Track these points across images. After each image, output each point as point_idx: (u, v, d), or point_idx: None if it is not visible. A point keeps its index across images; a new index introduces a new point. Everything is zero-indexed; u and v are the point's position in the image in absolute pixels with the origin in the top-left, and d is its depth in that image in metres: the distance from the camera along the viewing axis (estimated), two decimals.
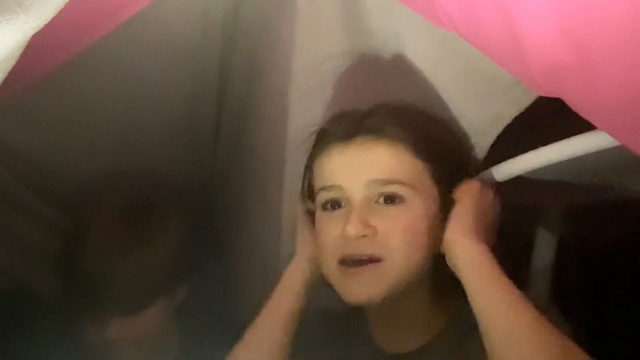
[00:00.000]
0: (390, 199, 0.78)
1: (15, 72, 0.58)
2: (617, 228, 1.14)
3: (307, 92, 0.92)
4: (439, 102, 0.86)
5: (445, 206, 0.80)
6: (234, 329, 1.13)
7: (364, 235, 0.77)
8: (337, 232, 0.78)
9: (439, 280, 0.83)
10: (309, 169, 0.86)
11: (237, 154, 1.18)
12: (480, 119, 0.84)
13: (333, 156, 0.81)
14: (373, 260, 0.77)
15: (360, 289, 0.78)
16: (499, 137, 0.88)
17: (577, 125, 0.69)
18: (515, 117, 0.84)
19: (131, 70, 1.01)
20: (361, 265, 0.77)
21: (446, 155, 0.81)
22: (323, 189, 0.82)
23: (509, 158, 0.85)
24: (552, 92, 0.67)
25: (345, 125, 0.81)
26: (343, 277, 0.79)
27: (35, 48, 0.58)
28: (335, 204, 0.81)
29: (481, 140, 0.85)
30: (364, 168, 0.79)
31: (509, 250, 0.89)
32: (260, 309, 0.86)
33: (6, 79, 0.58)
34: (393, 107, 0.84)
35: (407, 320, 0.83)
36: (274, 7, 0.97)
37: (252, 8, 1.03)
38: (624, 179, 0.97)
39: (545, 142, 0.80)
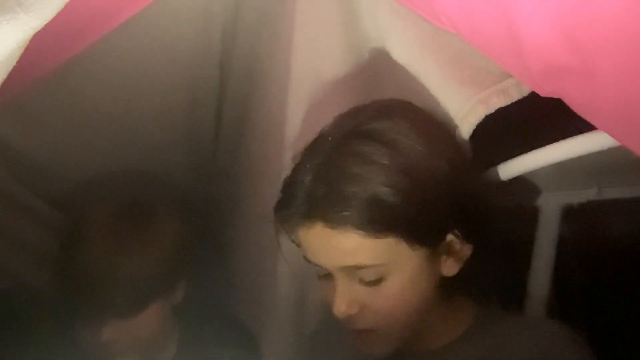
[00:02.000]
0: (369, 281, 0.75)
1: (15, 72, 0.58)
2: (617, 228, 1.14)
3: (305, 91, 0.92)
4: (429, 91, 0.85)
5: (436, 249, 0.77)
6: (234, 329, 1.14)
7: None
8: (332, 299, 0.78)
9: (450, 291, 0.82)
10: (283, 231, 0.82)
11: (237, 154, 1.18)
12: (464, 102, 0.82)
13: (301, 235, 0.78)
14: (366, 331, 0.78)
15: (368, 348, 0.80)
16: (499, 137, 0.88)
17: (577, 125, 0.69)
18: (515, 117, 0.84)
19: (131, 70, 1.01)
20: (358, 333, 0.79)
21: (422, 209, 0.73)
22: (306, 259, 0.79)
23: (509, 158, 0.85)
24: (552, 92, 0.67)
25: (299, 208, 0.76)
26: (351, 333, 0.80)
27: (35, 48, 0.58)
28: (324, 272, 0.79)
29: (463, 123, 0.83)
30: (332, 256, 0.75)
31: (509, 250, 0.89)
32: (259, 309, 0.85)
33: (6, 79, 0.58)
34: (348, 171, 0.74)
35: (424, 329, 0.82)
36: (273, 7, 0.97)
37: (252, 8, 1.03)
38: (623, 179, 0.97)
39: (545, 142, 0.80)
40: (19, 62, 0.58)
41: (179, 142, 1.17)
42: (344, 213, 0.72)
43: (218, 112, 1.17)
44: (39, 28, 0.54)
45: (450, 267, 0.79)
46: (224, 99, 1.15)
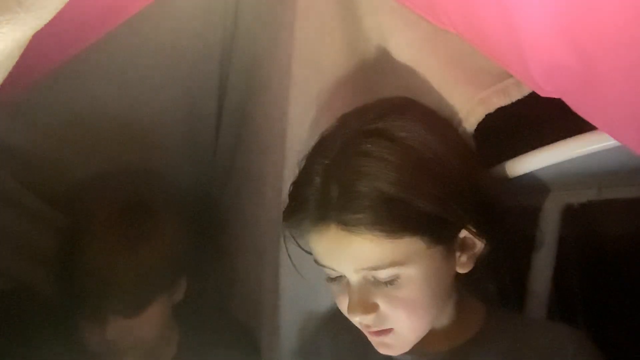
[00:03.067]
0: (384, 282, 0.74)
1: (16, 72, 0.58)
2: (617, 228, 1.14)
3: (306, 92, 0.92)
4: (430, 91, 0.85)
5: (451, 245, 0.77)
6: (234, 329, 1.14)
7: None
8: (346, 302, 0.77)
9: (462, 292, 0.83)
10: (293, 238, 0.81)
11: (237, 154, 1.18)
12: (465, 102, 0.82)
13: (314, 239, 0.77)
14: (384, 331, 0.77)
15: (385, 348, 0.79)
16: (499, 137, 0.88)
17: (577, 125, 0.69)
18: (515, 117, 0.84)
19: (131, 69, 1.01)
20: (378, 333, 0.78)
21: (435, 204, 0.73)
22: (318, 263, 0.78)
23: (510, 158, 0.84)
24: (552, 92, 0.67)
25: (312, 211, 0.75)
26: (367, 335, 0.79)
27: (35, 48, 0.58)
28: (336, 275, 0.78)
29: (463, 123, 0.83)
30: (347, 258, 0.74)
31: (509, 250, 0.89)
32: (259, 309, 0.85)
33: (6, 79, 0.58)
34: (358, 170, 0.73)
35: (438, 330, 0.82)
36: (274, 7, 0.97)
37: (252, 8, 1.03)
38: (623, 179, 0.97)
39: (545, 142, 0.80)
40: (19, 62, 0.58)
41: (179, 142, 1.17)
42: (358, 214, 0.71)
43: (218, 112, 1.17)
44: (38, 28, 0.54)
45: (464, 264, 0.78)
46: (224, 98, 1.15)
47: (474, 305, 0.85)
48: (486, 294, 0.88)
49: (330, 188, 0.74)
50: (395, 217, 0.71)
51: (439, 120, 0.80)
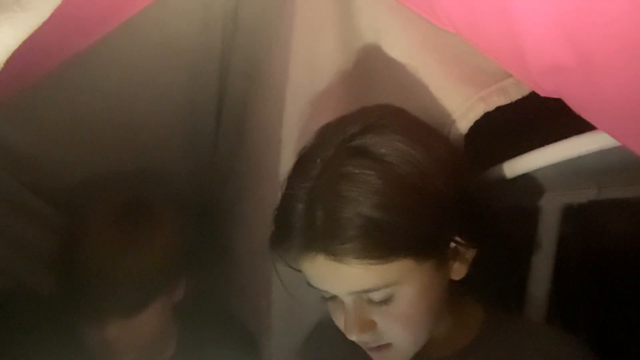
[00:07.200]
0: (379, 301, 0.74)
1: (16, 72, 0.58)
2: (617, 228, 1.14)
3: (303, 91, 0.92)
4: (427, 91, 0.85)
5: (443, 257, 0.76)
6: (234, 329, 1.14)
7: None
8: (343, 320, 0.77)
9: (458, 296, 0.82)
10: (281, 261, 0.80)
11: (236, 154, 1.18)
12: (464, 99, 0.81)
13: (303, 266, 0.76)
14: (383, 346, 0.77)
15: None
16: (499, 137, 0.88)
17: (577, 125, 0.69)
18: (515, 117, 0.84)
19: (131, 70, 1.01)
20: (377, 349, 0.78)
21: (422, 223, 0.71)
22: (310, 285, 0.77)
23: (509, 158, 0.85)
24: (552, 92, 0.67)
25: (298, 240, 0.74)
26: (367, 351, 0.79)
27: (36, 48, 0.58)
28: (330, 295, 0.77)
29: (461, 120, 0.83)
30: (338, 283, 0.74)
31: (509, 250, 0.89)
32: (258, 309, 0.85)
33: (6, 79, 0.58)
34: (340, 195, 0.71)
35: (435, 336, 0.81)
36: (273, 7, 0.97)
37: (252, 8, 1.03)
38: (624, 179, 0.97)
39: (545, 142, 0.80)
40: (18, 62, 0.58)
41: (179, 142, 1.17)
42: (345, 244, 0.70)
43: (218, 112, 1.17)
44: (36, 26, 0.54)
45: (458, 271, 0.78)
46: (224, 99, 1.15)
47: (472, 309, 0.84)
48: (486, 295, 0.88)
49: (314, 215, 0.72)
50: (382, 243, 0.70)
51: (422, 130, 0.78)
